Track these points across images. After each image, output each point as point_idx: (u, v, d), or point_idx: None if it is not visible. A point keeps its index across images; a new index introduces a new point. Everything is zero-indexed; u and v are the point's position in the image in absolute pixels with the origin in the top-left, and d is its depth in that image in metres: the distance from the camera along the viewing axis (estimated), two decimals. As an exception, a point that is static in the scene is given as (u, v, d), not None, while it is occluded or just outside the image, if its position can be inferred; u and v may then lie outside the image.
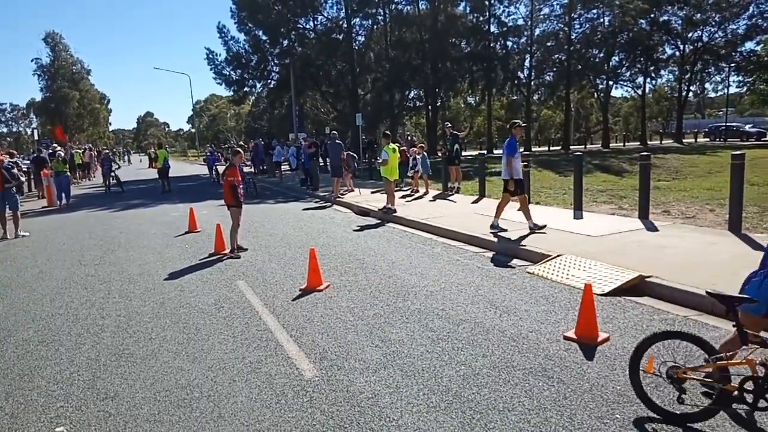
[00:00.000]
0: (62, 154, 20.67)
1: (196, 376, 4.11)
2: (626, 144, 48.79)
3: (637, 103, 56.55)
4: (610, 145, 45.42)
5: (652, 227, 8.44)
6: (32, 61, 67.05)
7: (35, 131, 43.15)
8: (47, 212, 16.01)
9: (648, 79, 45.41)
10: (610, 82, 44.50)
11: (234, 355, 4.47)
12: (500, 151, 45.42)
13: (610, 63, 42.54)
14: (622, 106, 76.92)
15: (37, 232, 11.87)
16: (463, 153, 17.59)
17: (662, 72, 46.59)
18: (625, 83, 46.24)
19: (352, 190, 16.33)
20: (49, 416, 3.61)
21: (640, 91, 46.61)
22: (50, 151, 22.96)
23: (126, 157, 63.89)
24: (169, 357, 4.51)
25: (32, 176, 21.99)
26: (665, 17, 40.90)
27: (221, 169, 23.24)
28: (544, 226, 8.70)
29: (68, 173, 18.43)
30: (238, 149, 9.54)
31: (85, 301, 6.28)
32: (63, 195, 17.58)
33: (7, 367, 4.46)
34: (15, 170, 11.58)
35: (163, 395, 3.83)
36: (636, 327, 4.68)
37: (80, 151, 33.35)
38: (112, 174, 21.88)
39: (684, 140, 45.08)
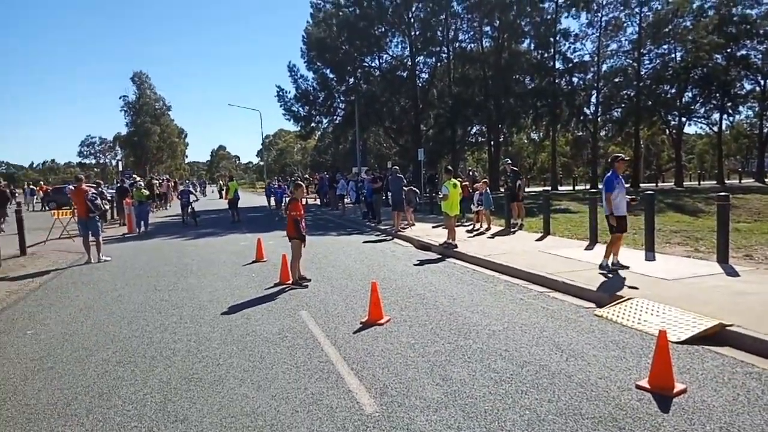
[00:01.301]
0: (142, 185, 22.13)
1: (261, 405, 4.20)
2: (701, 183, 46.43)
3: (712, 140, 53.96)
4: (684, 183, 43.35)
5: (732, 272, 7.94)
6: (120, 98, 72.90)
7: (120, 163, 46.51)
8: (127, 239, 17.04)
9: (725, 116, 43.35)
10: (683, 119, 42.79)
11: (296, 386, 4.55)
12: (566, 188, 44.02)
13: (683, 99, 41.00)
14: (696, 143, 73.66)
15: (117, 257, 12.65)
16: (527, 189, 17.30)
17: (740, 108, 44.39)
18: (699, 120, 44.35)
19: (413, 225, 16.40)
20: (124, 435, 3.79)
21: (716, 128, 44.49)
22: (131, 181, 24.58)
23: (201, 189, 66.05)
24: (236, 383, 4.65)
25: (115, 204, 23.55)
26: (743, 51, 39.21)
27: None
28: (626, 267, 8.35)
29: (147, 202, 19.63)
30: (300, 183, 9.80)
31: (159, 325, 6.60)
32: (142, 223, 18.69)
33: (89, 385, 4.74)
34: (99, 200, 12.44)
35: (229, 421, 3.94)
36: (716, 379, 4.38)
37: (158, 182, 35.55)
38: (190, 206, 21.38)
39: (766, 179, 42.37)
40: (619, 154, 9.02)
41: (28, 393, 4.60)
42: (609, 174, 8.51)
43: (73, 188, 12.48)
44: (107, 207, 19.76)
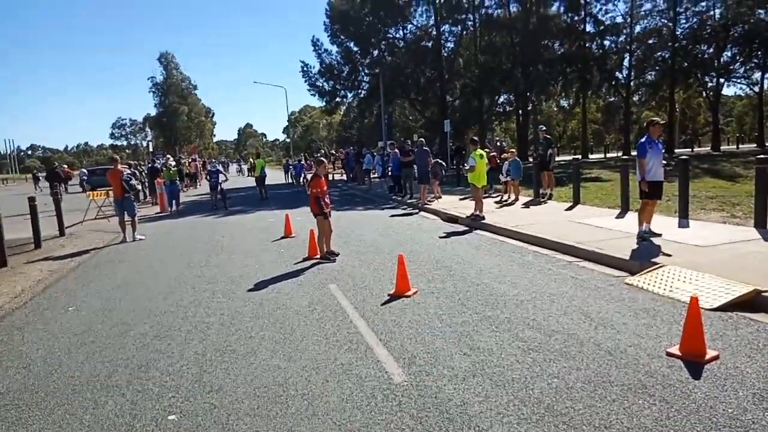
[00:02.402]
0: (173, 164, 22.47)
1: (292, 375, 4.32)
2: (740, 146, 44.65)
3: (753, 102, 51.55)
4: (721, 147, 41.79)
5: (770, 237, 7.69)
6: (148, 79, 73.89)
7: (150, 143, 47.48)
8: (160, 218, 17.46)
9: (767, 75, 41.30)
10: (721, 80, 40.96)
11: (326, 356, 4.65)
12: (597, 156, 42.97)
13: (722, 59, 39.18)
14: (735, 105, 70.68)
15: (151, 236, 12.99)
16: (557, 158, 16.98)
17: (784, 66, 42.15)
18: (739, 80, 42.36)
19: (440, 197, 16.33)
20: (162, 405, 3.96)
21: (756, 89, 42.47)
22: (163, 161, 25.06)
23: (239, 166, 64.27)
24: (268, 355, 4.78)
25: (147, 185, 24.07)
26: (789, 5, 37.06)
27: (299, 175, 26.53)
28: (659, 235, 8.19)
29: (178, 182, 20.00)
30: (322, 159, 9.89)
31: (193, 300, 6.80)
32: (174, 202, 19.09)
33: (128, 357, 4.94)
34: (133, 181, 12.74)
35: (261, 391, 4.07)
36: (750, 345, 4.29)
37: (188, 162, 36.14)
38: (220, 188, 19.14)
39: (810, 141, 40.46)
40: (654, 118, 8.83)
41: (72, 366, 4.83)
42: (643, 139, 8.32)
43: (86, 171, 12.80)
44: (139, 187, 20.23)
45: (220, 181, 19.06)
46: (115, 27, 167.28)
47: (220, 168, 21.05)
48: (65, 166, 48.51)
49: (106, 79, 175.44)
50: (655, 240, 7.99)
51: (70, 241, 12.80)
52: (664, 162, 8.41)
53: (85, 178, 32.48)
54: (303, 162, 33.38)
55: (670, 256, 6.95)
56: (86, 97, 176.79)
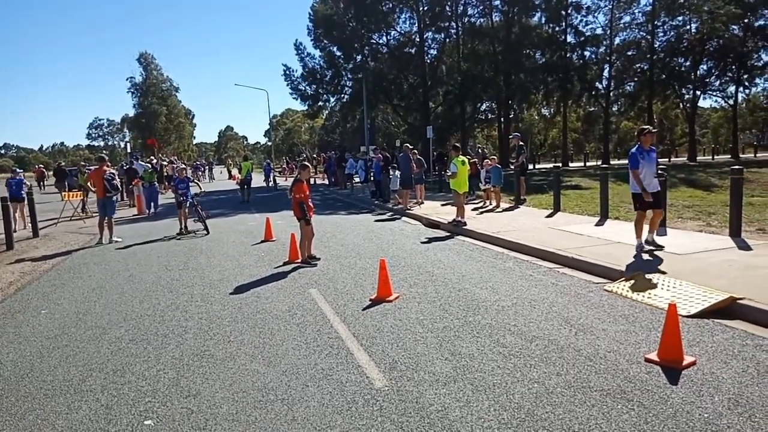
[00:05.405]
0: (151, 165, 22.07)
1: (271, 380, 4.26)
2: (715, 157, 45.74)
3: (727, 114, 52.86)
4: (697, 158, 42.74)
5: (744, 246, 7.85)
6: (127, 79, 72.77)
7: (128, 144, 46.74)
8: (137, 220, 17.16)
9: (741, 88, 42.37)
10: (698, 92, 41.93)
11: (306, 361, 4.60)
12: (577, 165, 43.28)
13: (698, 72, 40.12)
14: (710, 117, 72.28)
15: (128, 238, 12.75)
16: (537, 166, 17.13)
17: (757, 80, 43.27)
18: (714, 93, 43.39)
19: (422, 203, 16.36)
20: (138, 410, 3.87)
21: (731, 101, 43.57)
22: (146, 161, 24.67)
23: (208, 171, 58.47)
24: (247, 360, 4.71)
25: (124, 186, 23.64)
26: (761, 22, 38.13)
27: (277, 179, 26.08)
28: (661, 247, 7.84)
29: (156, 184, 19.67)
30: (306, 164, 9.74)
31: (170, 304, 6.68)
32: (152, 204, 18.79)
33: (103, 362, 4.82)
34: (116, 181, 12.52)
35: (240, 396, 4.00)
36: (726, 352, 4.36)
37: (165, 164, 35.68)
38: (192, 201, 13.34)
39: (782, 153, 41.60)
40: (646, 127, 8.30)
41: (44, 370, 4.70)
42: (634, 149, 7.84)
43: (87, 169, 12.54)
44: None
45: (191, 195, 13.37)
46: (93, 25, 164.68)
47: (189, 175, 15.68)
48: (41, 165, 47.72)
49: (83, 78, 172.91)
50: (634, 248, 8.06)
51: (44, 242, 12.51)
52: (659, 172, 8.09)
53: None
54: (271, 163, 36.07)
55: (648, 263, 7.05)
56: (62, 97, 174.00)
